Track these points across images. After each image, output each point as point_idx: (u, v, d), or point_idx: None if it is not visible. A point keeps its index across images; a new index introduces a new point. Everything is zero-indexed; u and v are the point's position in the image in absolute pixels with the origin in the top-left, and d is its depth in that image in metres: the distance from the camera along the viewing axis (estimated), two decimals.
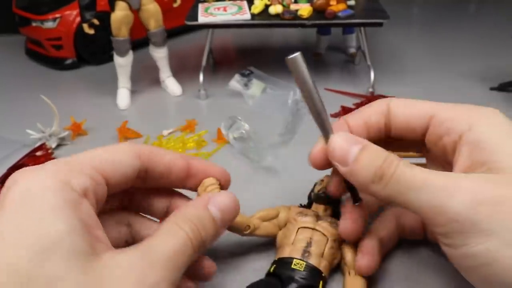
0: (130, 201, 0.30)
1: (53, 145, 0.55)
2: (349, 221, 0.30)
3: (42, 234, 0.18)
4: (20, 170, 0.22)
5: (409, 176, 0.23)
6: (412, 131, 0.29)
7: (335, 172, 0.30)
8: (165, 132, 0.58)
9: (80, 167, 0.22)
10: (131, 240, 0.29)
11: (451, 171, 0.26)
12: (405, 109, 0.28)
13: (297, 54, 0.25)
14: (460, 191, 0.21)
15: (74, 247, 0.19)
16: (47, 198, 0.20)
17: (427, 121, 0.27)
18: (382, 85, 0.68)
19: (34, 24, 0.78)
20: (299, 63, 0.25)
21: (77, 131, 0.58)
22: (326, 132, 0.27)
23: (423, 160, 0.32)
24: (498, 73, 0.70)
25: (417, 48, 0.86)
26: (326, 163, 0.28)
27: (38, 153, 0.52)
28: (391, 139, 0.30)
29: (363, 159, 0.25)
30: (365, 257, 0.30)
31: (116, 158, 0.24)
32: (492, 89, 0.67)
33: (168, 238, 0.22)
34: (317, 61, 0.80)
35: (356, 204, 0.30)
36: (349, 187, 0.29)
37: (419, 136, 0.29)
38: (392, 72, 0.74)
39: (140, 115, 0.64)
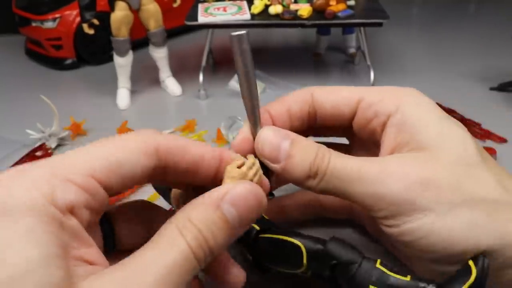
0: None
1: (53, 145, 0.55)
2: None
3: (11, 263, 0.16)
4: (5, 172, 0.18)
5: (343, 168, 0.23)
6: (338, 118, 0.28)
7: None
8: (165, 132, 0.58)
9: (71, 174, 0.18)
10: (147, 236, 0.23)
11: (377, 153, 0.27)
12: (331, 96, 0.28)
13: (243, 32, 0.24)
14: (393, 177, 0.22)
15: (46, 278, 0.16)
16: (22, 218, 0.16)
17: (355, 106, 0.27)
18: (382, 85, 0.68)
19: (34, 24, 0.78)
20: (244, 42, 0.24)
21: (77, 131, 0.58)
22: (255, 121, 0.26)
23: (343, 140, 0.32)
24: (498, 73, 0.70)
25: (417, 48, 0.86)
26: (250, 152, 0.26)
27: (38, 153, 0.52)
28: (314, 128, 0.30)
29: (296, 156, 0.24)
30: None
31: (121, 157, 0.20)
32: (492, 89, 0.67)
33: (164, 250, 0.18)
34: (317, 61, 0.80)
35: (270, 198, 0.26)
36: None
37: (346, 122, 0.28)
38: (392, 72, 0.74)
39: (140, 115, 0.64)
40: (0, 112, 0.66)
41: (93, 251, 0.19)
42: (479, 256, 0.21)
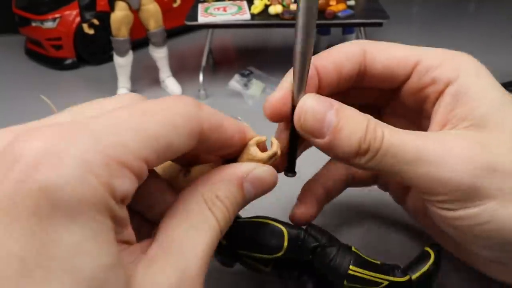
0: None
1: None
2: (299, 206, 0.27)
3: (84, 275, 0.13)
4: (38, 135, 0.13)
5: (399, 147, 0.21)
6: (388, 80, 0.25)
7: (283, 131, 0.25)
8: None
9: (126, 157, 0.16)
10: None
11: (421, 123, 0.25)
12: (385, 56, 0.24)
13: None
14: (457, 160, 0.21)
15: (116, 285, 0.15)
16: (85, 216, 0.13)
17: (410, 69, 0.24)
18: None
19: (34, 24, 0.78)
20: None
21: None
22: (300, 84, 0.23)
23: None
24: (498, 73, 0.70)
25: None
26: (283, 117, 0.24)
27: None
28: (349, 90, 0.27)
29: (343, 129, 0.21)
30: (302, 206, 0.27)
31: (170, 139, 0.18)
32: None
33: (199, 230, 0.18)
34: None
35: (289, 175, 0.25)
36: (290, 153, 0.24)
37: (395, 86, 0.26)
38: None
39: None
40: (0, 112, 0.66)
41: (130, 231, 0.17)
42: (433, 243, 0.22)
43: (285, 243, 0.26)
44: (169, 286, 0.16)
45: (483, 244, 0.23)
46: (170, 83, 0.70)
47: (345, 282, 0.25)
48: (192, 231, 0.17)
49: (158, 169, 0.22)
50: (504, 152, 0.22)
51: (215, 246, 0.18)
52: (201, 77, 0.68)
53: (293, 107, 0.24)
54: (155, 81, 0.72)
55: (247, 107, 0.62)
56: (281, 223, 0.28)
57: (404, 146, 0.23)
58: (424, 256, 0.25)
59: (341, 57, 0.27)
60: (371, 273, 0.24)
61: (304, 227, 0.27)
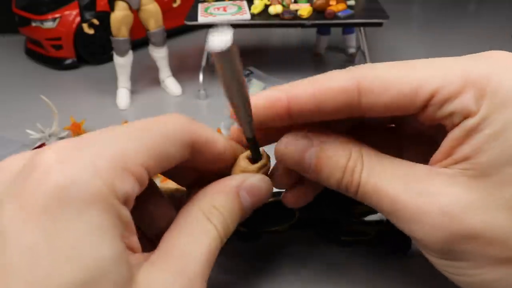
0: None
1: None
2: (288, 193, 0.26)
3: (88, 262, 0.15)
4: (53, 148, 0.16)
5: (375, 196, 0.19)
6: (393, 116, 0.21)
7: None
8: None
9: (129, 163, 0.18)
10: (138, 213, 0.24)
11: (428, 147, 0.22)
12: (386, 95, 0.19)
13: (228, 45, 0.17)
14: (432, 224, 0.18)
15: (119, 276, 0.15)
16: (90, 212, 0.16)
17: (423, 103, 0.20)
18: None
19: (34, 24, 0.78)
20: (233, 56, 0.18)
21: (77, 131, 0.58)
22: (245, 124, 0.23)
23: None
24: None
25: (417, 47, 0.86)
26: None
27: None
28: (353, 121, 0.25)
29: (322, 171, 0.21)
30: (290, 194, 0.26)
31: (167, 149, 0.20)
32: None
33: (200, 239, 0.19)
34: (317, 61, 0.80)
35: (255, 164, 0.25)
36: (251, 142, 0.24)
37: (402, 119, 0.23)
38: None
39: (140, 115, 0.64)
40: (0, 112, 0.66)
41: (136, 239, 0.18)
42: None
43: (296, 212, 0.28)
44: (168, 286, 0.17)
45: None
46: (170, 83, 0.70)
47: (352, 221, 0.26)
48: (192, 239, 0.18)
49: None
50: (492, 214, 0.20)
51: (216, 252, 0.19)
52: (201, 77, 0.68)
53: (247, 139, 0.24)
54: (155, 81, 0.72)
55: None
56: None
57: (380, 197, 0.21)
58: None
59: (325, 96, 0.22)
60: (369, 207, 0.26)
61: None
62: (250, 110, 0.26)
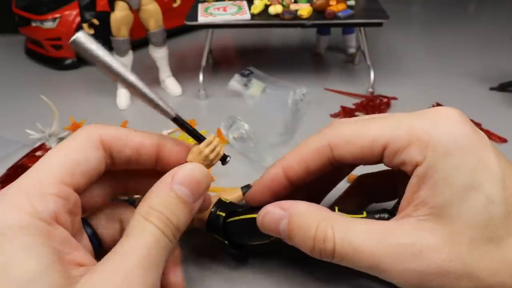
0: (117, 183, 0.27)
1: (53, 145, 0.55)
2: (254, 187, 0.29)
3: (16, 276, 0.18)
4: None
5: (353, 256, 0.22)
6: (363, 163, 0.27)
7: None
8: (165, 132, 0.58)
9: (44, 187, 0.20)
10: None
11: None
12: (351, 149, 0.25)
13: (78, 34, 0.22)
14: (407, 268, 0.21)
15: (48, 284, 0.18)
16: (15, 236, 0.19)
17: (380, 154, 0.24)
18: (382, 85, 0.68)
19: (34, 24, 0.78)
20: (83, 45, 0.22)
21: None
22: (168, 114, 0.26)
23: None
24: (498, 73, 0.70)
25: (417, 48, 0.86)
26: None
27: (38, 153, 0.52)
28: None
29: (295, 237, 0.24)
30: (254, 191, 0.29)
31: (80, 157, 0.22)
32: (492, 89, 0.67)
33: (138, 237, 0.21)
34: (317, 61, 0.80)
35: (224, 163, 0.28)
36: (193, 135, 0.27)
37: (373, 164, 0.27)
38: (392, 72, 0.74)
39: (140, 115, 0.64)
40: (0, 112, 0.66)
41: (82, 254, 0.21)
42: None
43: None
44: (103, 285, 0.19)
45: None
46: (170, 83, 0.70)
47: None
48: (130, 240, 0.20)
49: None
50: (455, 251, 0.22)
51: (160, 248, 0.21)
52: (201, 77, 0.68)
53: (172, 120, 0.26)
54: (155, 81, 0.72)
55: (247, 107, 0.62)
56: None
57: (358, 257, 0.23)
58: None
59: (307, 157, 0.27)
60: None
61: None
62: (149, 93, 0.30)
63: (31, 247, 0.18)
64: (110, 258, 0.20)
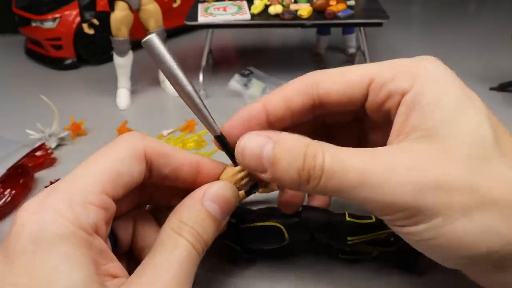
0: (144, 194, 0.27)
1: (53, 145, 0.55)
2: (285, 195, 0.29)
3: (61, 286, 0.18)
4: (25, 207, 0.20)
5: (342, 172, 0.21)
6: (348, 104, 0.25)
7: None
8: (165, 132, 0.58)
9: (88, 196, 0.20)
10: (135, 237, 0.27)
11: (384, 137, 0.25)
12: (337, 84, 0.24)
13: (151, 36, 0.23)
14: (398, 183, 0.20)
15: None
16: (59, 247, 0.19)
17: (365, 89, 0.24)
18: None
19: (34, 24, 0.78)
20: (155, 47, 0.23)
21: (77, 131, 0.58)
22: (209, 125, 0.25)
23: None
24: (498, 73, 0.70)
25: (417, 48, 0.86)
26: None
27: (38, 153, 0.52)
28: (321, 116, 0.27)
29: (281, 161, 0.21)
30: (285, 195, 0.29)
31: (120, 169, 0.22)
32: (492, 89, 0.67)
33: (172, 250, 0.21)
34: (317, 61, 0.80)
35: (254, 192, 0.28)
36: (227, 150, 0.26)
37: (357, 107, 0.25)
38: None
39: (140, 115, 0.64)
40: (0, 112, 0.66)
41: (116, 265, 0.21)
42: None
43: (286, 235, 0.30)
44: None
45: (436, 257, 0.23)
46: None
47: (347, 248, 0.28)
48: (165, 254, 0.21)
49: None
50: (452, 166, 0.22)
51: (190, 260, 0.21)
52: (201, 77, 0.68)
53: (215, 137, 0.28)
54: (155, 81, 0.72)
55: None
56: (275, 218, 0.32)
57: (347, 172, 0.21)
58: None
59: (290, 93, 0.25)
60: (367, 235, 0.27)
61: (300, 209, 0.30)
62: (201, 106, 0.30)
63: (74, 257, 0.19)
64: (144, 271, 0.20)
